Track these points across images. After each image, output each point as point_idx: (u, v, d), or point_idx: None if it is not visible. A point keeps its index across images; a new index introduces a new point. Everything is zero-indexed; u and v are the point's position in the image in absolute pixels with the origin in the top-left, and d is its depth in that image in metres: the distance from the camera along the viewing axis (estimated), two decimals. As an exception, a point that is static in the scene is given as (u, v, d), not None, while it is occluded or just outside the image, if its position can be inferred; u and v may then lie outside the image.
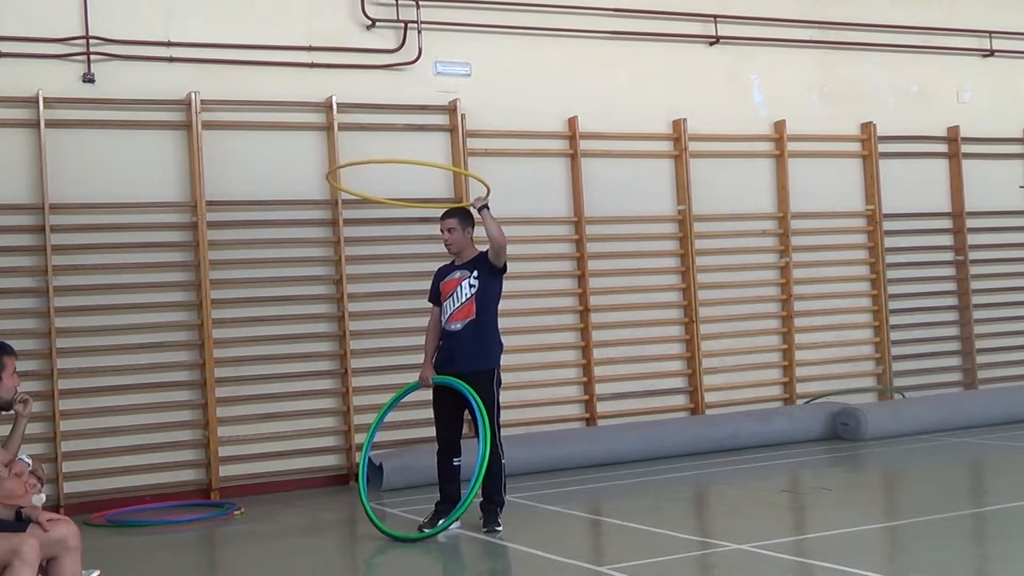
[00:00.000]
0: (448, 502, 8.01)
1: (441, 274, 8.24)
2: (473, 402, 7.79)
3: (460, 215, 8.22)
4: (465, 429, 8.43)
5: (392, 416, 8.97)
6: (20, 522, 5.24)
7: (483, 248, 8.16)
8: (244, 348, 10.10)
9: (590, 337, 11.40)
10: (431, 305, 8.28)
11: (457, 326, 8.00)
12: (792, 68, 12.59)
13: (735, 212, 12.16)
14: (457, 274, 8.11)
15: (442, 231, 8.16)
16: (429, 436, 8.77)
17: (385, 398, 9.91)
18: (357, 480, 8.31)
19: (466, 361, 7.95)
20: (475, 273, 8.05)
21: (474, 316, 7.98)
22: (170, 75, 9.99)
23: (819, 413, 11.84)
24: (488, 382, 7.96)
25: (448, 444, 8.07)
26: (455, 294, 8.04)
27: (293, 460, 10.20)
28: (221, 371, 9.95)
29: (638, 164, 11.85)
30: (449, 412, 8.07)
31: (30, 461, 5.99)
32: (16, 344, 8.66)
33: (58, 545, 5.24)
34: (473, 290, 8.01)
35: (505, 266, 8.14)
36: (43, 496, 5.85)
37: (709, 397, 11.89)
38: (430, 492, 8.24)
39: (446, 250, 8.29)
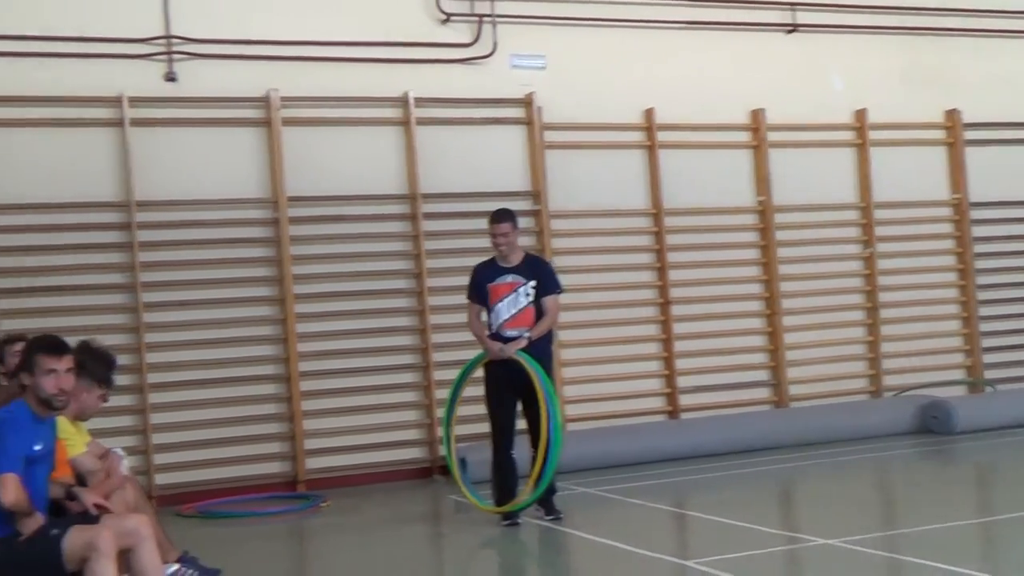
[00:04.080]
0: (510, 496, 7.99)
1: (485, 275, 8.13)
2: (545, 388, 7.82)
3: (511, 219, 8.14)
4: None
5: (471, 409, 8.99)
6: (71, 500, 5.29)
7: (528, 249, 8.32)
8: (327, 342, 10.17)
9: (671, 330, 11.32)
10: (469, 303, 8.21)
11: (515, 332, 7.96)
12: (873, 55, 12.36)
13: (816, 202, 11.99)
14: (509, 278, 8.05)
15: (495, 236, 8.06)
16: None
17: (469, 391, 9.97)
18: (446, 470, 8.27)
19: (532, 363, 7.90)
20: (532, 283, 8.03)
21: (531, 325, 7.99)
22: (250, 73, 10.09)
23: (907, 406, 11.63)
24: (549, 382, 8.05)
25: (509, 437, 8.04)
26: (510, 299, 8.01)
27: (377, 453, 10.25)
28: (305, 365, 10.03)
29: (716, 155, 11.74)
30: (509, 403, 8.04)
31: (123, 454, 6.06)
32: (106, 339, 8.85)
33: (131, 536, 5.27)
34: (530, 299, 8.02)
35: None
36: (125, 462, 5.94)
37: (793, 390, 11.73)
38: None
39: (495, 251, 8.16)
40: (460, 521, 8.95)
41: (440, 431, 10.21)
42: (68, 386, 5.33)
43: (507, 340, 7.94)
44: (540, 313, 8.04)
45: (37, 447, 5.23)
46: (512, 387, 7.96)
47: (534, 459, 7.97)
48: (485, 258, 8.21)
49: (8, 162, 9.33)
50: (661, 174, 11.36)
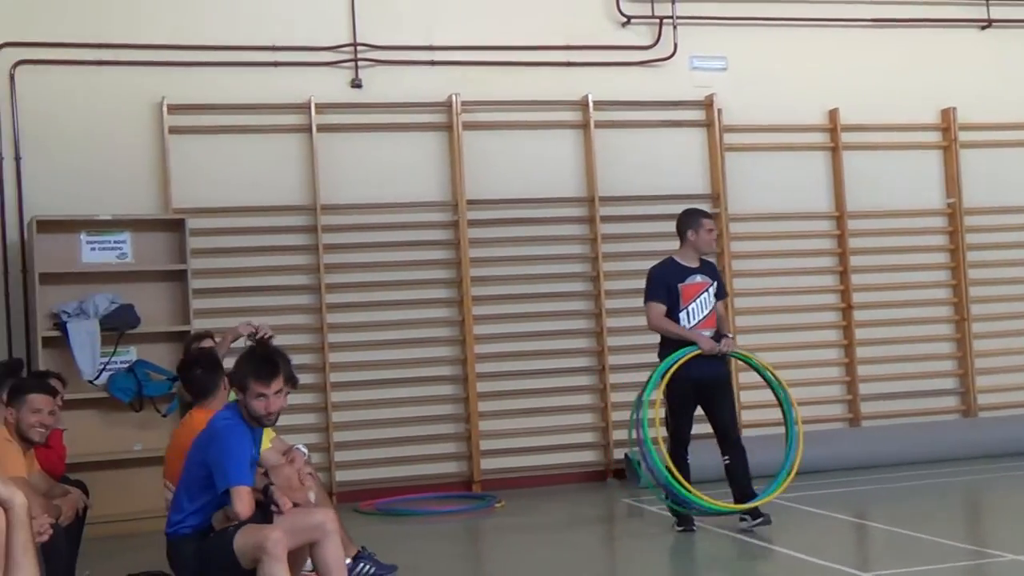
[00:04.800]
0: (683, 502, 7.85)
1: (673, 275, 7.94)
2: (777, 388, 7.98)
3: None
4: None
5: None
6: (266, 497, 5.38)
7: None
8: (504, 344, 10.28)
9: (853, 335, 11.05)
10: (653, 303, 7.92)
11: (709, 333, 7.86)
12: (1074, 50, 11.80)
13: (1010, 204, 11.52)
14: (698, 278, 7.93)
15: (711, 231, 7.99)
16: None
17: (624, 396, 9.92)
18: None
19: (715, 369, 7.85)
20: (715, 284, 7.97)
21: (716, 327, 7.91)
22: (432, 78, 10.29)
23: (1109, 418, 11.07)
24: (732, 385, 8.01)
25: (688, 440, 7.89)
26: (702, 300, 7.90)
27: (552, 455, 10.31)
28: (482, 366, 10.17)
29: (904, 156, 11.40)
30: (693, 406, 7.91)
31: (307, 452, 6.24)
32: (291, 338, 9.25)
33: (317, 530, 5.37)
34: (715, 301, 7.94)
35: None
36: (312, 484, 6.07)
37: (983, 399, 11.29)
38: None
39: (706, 248, 8.04)
40: (634, 525, 8.95)
41: (615, 434, 10.30)
42: (277, 408, 5.43)
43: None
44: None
45: (253, 452, 5.41)
46: (697, 389, 7.83)
47: (726, 465, 7.81)
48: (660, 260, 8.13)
49: (203, 168, 9.75)
50: (845, 176, 11.10)
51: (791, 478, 7.95)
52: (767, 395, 10.09)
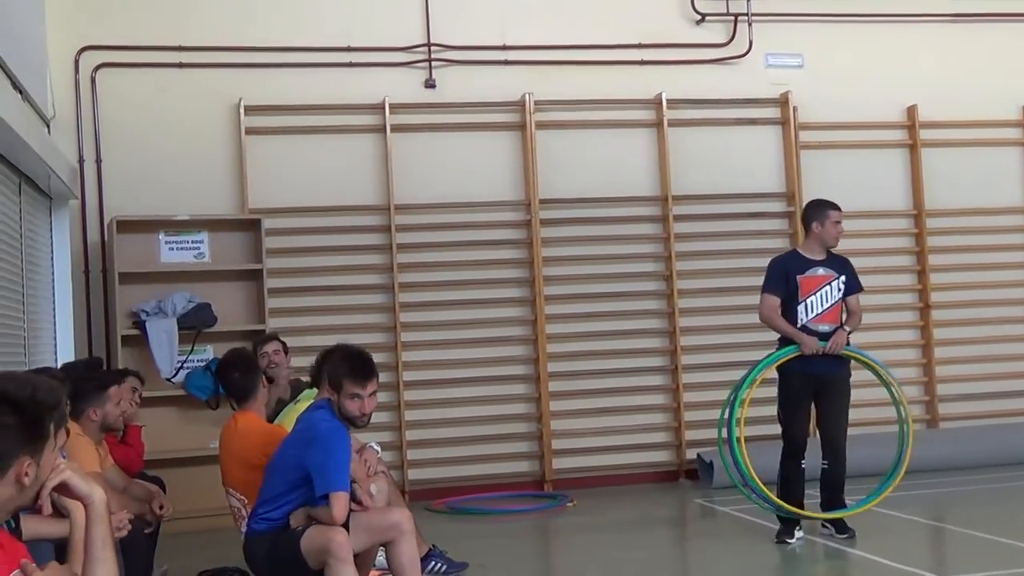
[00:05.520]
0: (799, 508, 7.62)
1: (794, 266, 7.63)
2: (889, 388, 7.69)
3: None
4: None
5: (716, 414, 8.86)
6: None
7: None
8: (577, 343, 10.26)
9: (931, 335, 10.88)
10: (767, 295, 7.61)
11: (828, 327, 7.53)
12: None
13: (1095, 202, 11.28)
14: (821, 270, 7.62)
15: (838, 223, 7.69)
16: (754, 435, 8.40)
17: (716, 395, 9.82)
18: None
19: (833, 367, 7.57)
20: (843, 278, 7.64)
21: (840, 322, 7.61)
22: (505, 78, 10.29)
23: None
24: (850, 388, 7.69)
25: (803, 445, 7.55)
26: (823, 293, 7.58)
27: (624, 455, 10.28)
28: (554, 366, 10.16)
29: (984, 153, 11.20)
30: (807, 408, 7.61)
31: (379, 449, 6.29)
32: (365, 337, 9.32)
33: (393, 530, 5.39)
34: (841, 294, 7.61)
35: None
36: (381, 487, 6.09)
37: (1066, 401, 11.07)
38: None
39: (831, 241, 7.69)
40: (706, 525, 8.90)
41: (688, 434, 10.24)
42: (371, 409, 5.37)
43: (820, 336, 7.50)
44: (841, 311, 7.66)
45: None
46: (811, 390, 7.56)
47: (823, 470, 7.57)
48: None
49: (279, 169, 9.85)
50: (923, 173, 10.93)
51: (900, 477, 7.71)
52: (867, 394, 9.61)
